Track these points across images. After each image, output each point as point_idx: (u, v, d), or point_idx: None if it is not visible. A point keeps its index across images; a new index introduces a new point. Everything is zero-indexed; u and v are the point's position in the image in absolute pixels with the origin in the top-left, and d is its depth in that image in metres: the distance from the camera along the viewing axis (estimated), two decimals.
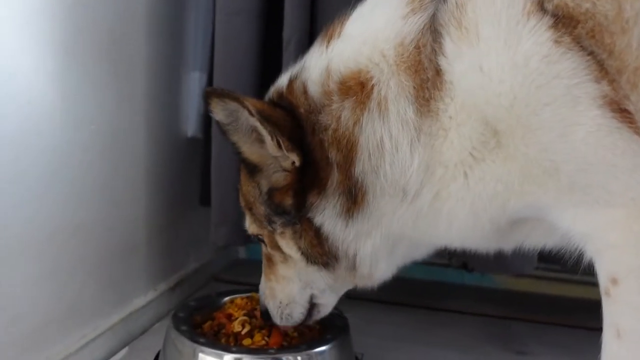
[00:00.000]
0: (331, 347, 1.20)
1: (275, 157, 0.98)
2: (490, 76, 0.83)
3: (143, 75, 1.41)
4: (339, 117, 0.93)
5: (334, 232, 0.99)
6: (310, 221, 1.00)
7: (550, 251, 0.99)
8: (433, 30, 0.87)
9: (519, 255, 1.08)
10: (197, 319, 1.28)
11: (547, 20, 0.80)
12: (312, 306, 1.15)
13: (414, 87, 0.88)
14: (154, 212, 1.50)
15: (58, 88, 1.15)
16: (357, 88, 0.92)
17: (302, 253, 1.04)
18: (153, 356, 1.29)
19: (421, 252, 1.08)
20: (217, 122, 0.98)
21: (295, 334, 1.24)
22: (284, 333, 1.22)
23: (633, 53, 0.77)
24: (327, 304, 1.16)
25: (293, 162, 0.97)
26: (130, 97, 1.37)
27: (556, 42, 0.79)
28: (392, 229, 0.98)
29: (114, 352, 1.33)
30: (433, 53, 0.87)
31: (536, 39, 0.80)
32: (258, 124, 0.93)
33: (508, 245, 1.02)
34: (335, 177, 0.95)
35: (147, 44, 1.41)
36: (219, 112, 0.96)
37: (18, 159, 1.07)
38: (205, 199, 1.60)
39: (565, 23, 0.79)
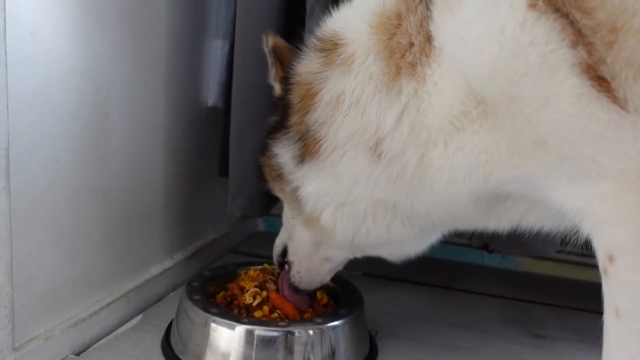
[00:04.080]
0: (344, 323, 1.18)
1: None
2: (469, 46, 0.81)
3: (164, 41, 1.39)
4: (308, 67, 1.00)
5: (286, 167, 1.06)
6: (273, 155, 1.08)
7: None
8: None
9: (541, 237, 1.05)
10: (211, 289, 1.28)
11: None
12: (285, 262, 1.22)
13: (390, 50, 0.90)
14: (173, 179, 1.49)
15: (77, 50, 1.13)
16: (330, 46, 0.97)
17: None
18: (167, 324, 1.29)
19: (397, 225, 1.03)
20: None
21: (309, 310, 1.24)
22: (296, 307, 1.21)
23: (607, 9, 0.72)
24: (300, 268, 1.19)
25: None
26: (149, 63, 1.36)
27: (531, 5, 0.75)
28: (357, 191, 0.99)
29: (128, 319, 1.33)
30: (426, 19, 0.87)
31: (511, 3, 0.76)
32: (267, 53, 1.13)
33: (502, 224, 1.00)
34: (293, 119, 1.02)
35: (168, 9, 1.39)
36: (266, 44, 1.14)
37: (38, 120, 1.06)
38: (224, 170, 1.59)
39: None
